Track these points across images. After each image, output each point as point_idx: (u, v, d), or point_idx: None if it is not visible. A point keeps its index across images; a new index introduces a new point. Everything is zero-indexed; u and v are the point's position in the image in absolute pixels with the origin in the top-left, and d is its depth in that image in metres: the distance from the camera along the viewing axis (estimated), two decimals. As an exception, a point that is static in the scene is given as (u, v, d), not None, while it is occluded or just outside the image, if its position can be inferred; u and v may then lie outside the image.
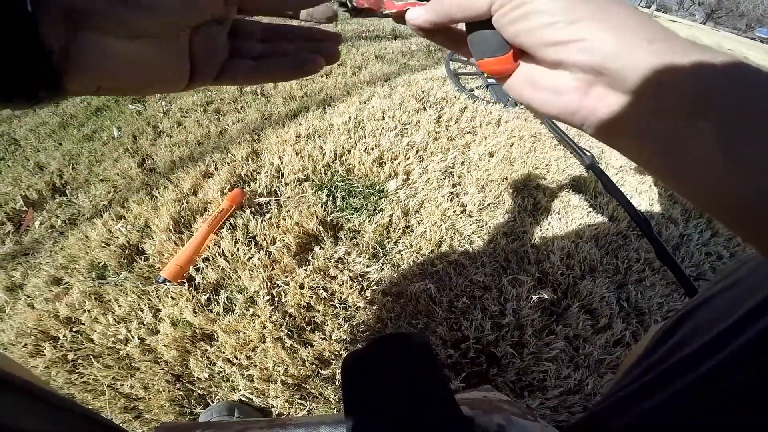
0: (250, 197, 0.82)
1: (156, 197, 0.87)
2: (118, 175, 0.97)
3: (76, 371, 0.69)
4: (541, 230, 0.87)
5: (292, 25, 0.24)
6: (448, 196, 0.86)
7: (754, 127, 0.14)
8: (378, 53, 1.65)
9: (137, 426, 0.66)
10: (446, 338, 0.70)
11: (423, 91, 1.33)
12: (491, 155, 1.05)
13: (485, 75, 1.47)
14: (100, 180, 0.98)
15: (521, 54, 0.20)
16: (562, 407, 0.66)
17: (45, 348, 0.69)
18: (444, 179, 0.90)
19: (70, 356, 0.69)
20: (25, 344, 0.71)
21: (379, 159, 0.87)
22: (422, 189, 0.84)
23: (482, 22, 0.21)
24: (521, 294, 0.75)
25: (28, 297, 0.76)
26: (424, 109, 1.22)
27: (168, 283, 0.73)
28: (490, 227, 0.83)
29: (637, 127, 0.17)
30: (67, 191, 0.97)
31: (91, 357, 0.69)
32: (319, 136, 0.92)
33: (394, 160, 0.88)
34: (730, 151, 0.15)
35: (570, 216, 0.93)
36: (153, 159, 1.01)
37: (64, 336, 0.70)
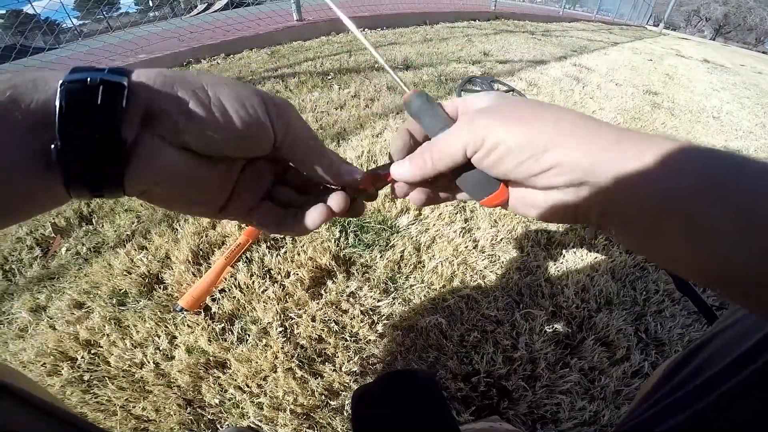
0: (265, 232, 0.84)
1: (176, 230, 0.91)
2: (141, 206, 1.02)
3: (91, 391, 0.71)
4: (554, 264, 0.86)
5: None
6: (460, 232, 0.87)
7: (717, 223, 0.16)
8: (390, 85, 1.71)
9: None
10: (456, 372, 0.69)
11: None
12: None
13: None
14: (125, 210, 1.03)
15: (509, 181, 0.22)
16: (577, 440, 0.64)
17: (63, 368, 0.72)
18: (456, 214, 0.91)
19: (86, 377, 0.72)
20: (44, 363, 0.73)
21: (390, 195, 0.90)
22: (434, 224, 0.85)
23: (464, 166, 0.22)
24: (534, 328, 0.74)
25: (51, 318, 0.79)
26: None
27: (185, 312, 0.75)
28: (502, 262, 0.83)
29: (623, 222, 0.19)
30: (93, 220, 1.02)
31: (106, 378, 0.71)
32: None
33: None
34: (695, 243, 0.16)
35: (584, 249, 0.92)
36: None
37: (82, 357, 0.73)
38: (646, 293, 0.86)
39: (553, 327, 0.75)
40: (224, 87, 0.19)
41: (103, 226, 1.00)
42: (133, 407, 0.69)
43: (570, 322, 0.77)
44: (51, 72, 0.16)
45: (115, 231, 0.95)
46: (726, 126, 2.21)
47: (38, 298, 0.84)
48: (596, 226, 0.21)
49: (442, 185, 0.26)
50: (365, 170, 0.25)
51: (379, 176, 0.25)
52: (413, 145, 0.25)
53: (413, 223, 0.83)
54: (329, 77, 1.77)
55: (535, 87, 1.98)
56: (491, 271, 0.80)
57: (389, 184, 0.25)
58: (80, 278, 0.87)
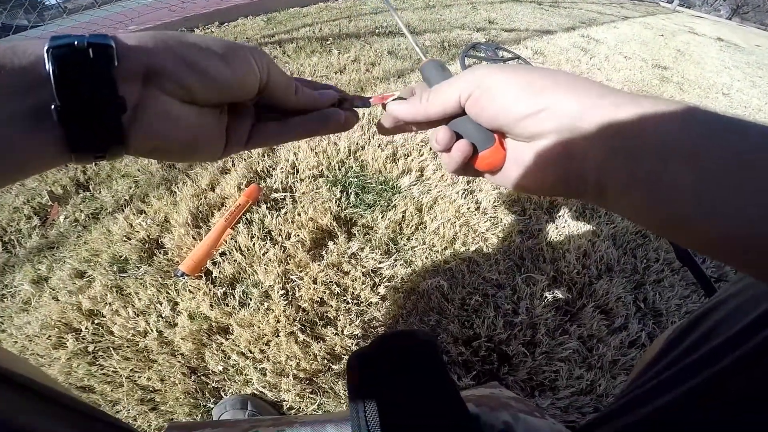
0: (265, 193, 0.83)
1: (175, 192, 0.89)
2: (138, 171, 0.99)
3: (97, 363, 0.71)
4: (557, 228, 0.86)
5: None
6: (463, 193, 0.85)
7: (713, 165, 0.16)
8: (391, 49, 1.64)
9: (153, 418, 0.68)
10: (458, 336, 0.69)
11: None
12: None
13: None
14: (122, 176, 1.01)
15: (504, 140, 0.22)
16: (573, 407, 0.65)
17: (68, 340, 0.72)
18: (459, 177, 0.89)
19: (91, 348, 0.72)
20: (49, 336, 0.73)
21: (392, 155, 0.87)
22: (436, 185, 0.84)
23: (459, 117, 0.22)
24: (535, 293, 0.74)
25: (53, 290, 0.79)
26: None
27: (186, 277, 0.75)
28: (504, 224, 0.82)
29: (621, 180, 0.18)
30: (90, 186, 1.00)
31: (111, 349, 0.71)
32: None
33: (408, 156, 0.87)
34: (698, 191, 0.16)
35: (587, 214, 0.91)
36: None
37: (86, 328, 0.73)
38: (646, 261, 0.86)
39: (553, 292, 0.75)
40: (213, 41, 0.20)
41: (100, 192, 0.98)
42: (139, 377, 0.69)
43: (570, 288, 0.77)
44: (27, 41, 0.16)
45: (113, 196, 0.94)
46: (735, 102, 2.16)
47: (39, 269, 0.83)
48: (591, 194, 0.20)
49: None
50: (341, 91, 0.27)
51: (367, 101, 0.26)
52: None
53: (415, 184, 0.82)
54: (328, 42, 1.70)
55: (541, 56, 1.92)
56: (493, 234, 0.79)
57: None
58: (80, 246, 0.87)
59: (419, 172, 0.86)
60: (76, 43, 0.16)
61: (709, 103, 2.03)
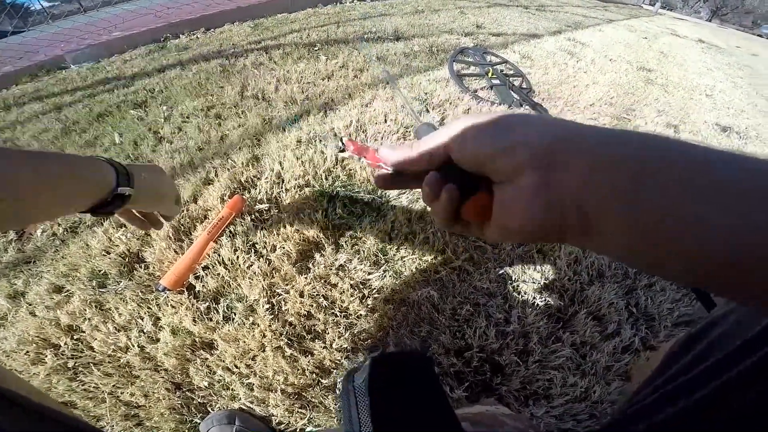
0: (249, 204, 0.80)
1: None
2: None
3: (77, 379, 0.68)
4: (547, 235, 0.85)
5: None
6: (452, 201, 0.85)
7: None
8: (380, 55, 1.64)
9: None
10: (449, 347, 0.68)
11: (426, 93, 1.31)
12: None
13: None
14: None
15: (490, 189, 0.23)
16: (568, 415, 0.64)
17: (46, 356, 0.69)
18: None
19: (71, 364, 0.69)
20: (27, 352, 0.70)
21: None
22: (425, 194, 0.83)
23: (446, 165, 0.24)
24: (527, 301, 0.73)
25: (30, 305, 0.76)
26: (427, 111, 1.20)
27: (167, 292, 0.72)
28: (494, 232, 0.82)
29: (601, 201, 0.18)
30: None
31: (91, 365, 0.69)
32: (321, 141, 0.91)
33: None
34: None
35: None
36: None
37: (65, 344, 0.70)
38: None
39: (545, 300, 0.75)
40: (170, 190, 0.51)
41: None
42: (122, 393, 0.67)
43: (562, 295, 0.76)
44: (104, 174, 0.40)
45: None
46: (718, 104, 2.20)
47: (15, 284, 0.80)
48: (577, 234, 0.20)
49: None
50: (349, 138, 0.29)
51: (366, 149, 0.30)
52: None
53: (404, 193, 0.80)
54: (316, 48, 1.69)
55: (528, 59, 1.93)
56: (483, 242, 0.78)
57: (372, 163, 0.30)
58: (58, 261, 0.83)
59: (408, 180, 0.85)
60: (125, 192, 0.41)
61: (692, 104, 2.06)
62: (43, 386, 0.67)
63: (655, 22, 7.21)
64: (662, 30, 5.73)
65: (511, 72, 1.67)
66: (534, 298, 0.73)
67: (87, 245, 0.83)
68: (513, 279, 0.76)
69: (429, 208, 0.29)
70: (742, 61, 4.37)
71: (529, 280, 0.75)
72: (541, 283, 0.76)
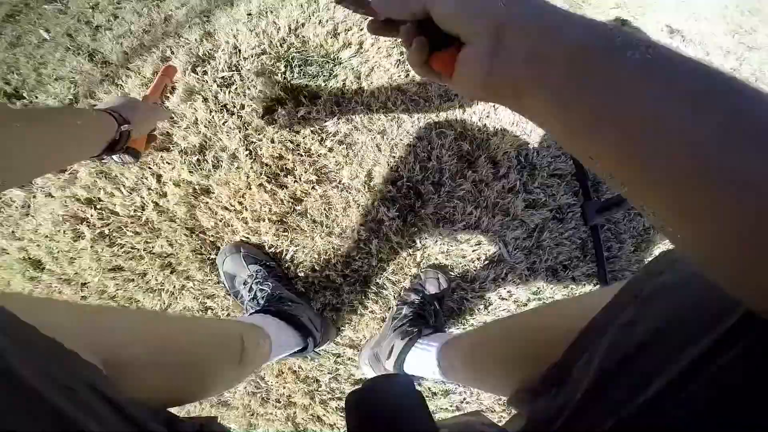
0: (214, 73, 0.89)
1: (121, 85, 0.92)
2: (71, 72, 0.98)
3: (116, 244, 0.83)
4: (474, 89, 1.02)
5: None
6: (395, 63, 0.97)
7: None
8: None
9: (174, 279, 0.84)
10: (387, 178, 0.88)
11: None
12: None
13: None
14: (55, 80, 0.99)
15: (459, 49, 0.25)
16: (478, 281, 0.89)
17: (82, 230, 0.82)
18: (393, 48, 0.99)
19: (106, 231, 0.83)
20: (64, 231, 0.83)
21: (333, 31, 0.94)
22: (373, 57, 0.94)
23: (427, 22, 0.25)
24: (444, 144, 0.93)
25: (42, 188, 0.85)
26: None
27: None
28: (428, 87, 0.97)
29: (550, 74, 0.20)
30: (23, 94, 0.98)
31: (122, 228, 0.83)
32: (272, 12, 0.96)
33: (348, 31, 0.95)
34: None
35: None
36: (101, 53, 1.02)
37: (91, 216, 0.83)
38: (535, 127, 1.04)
39: (459, 144, 0.94)
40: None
41: (37, 97, 0.98)
42: (153, 247, 0.83)
43: (472, 142, 0.95)
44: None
45: (55, 98, 0.95)
46: (684, 4, 2.19)
47: None
48: (512, 106, 0.24)
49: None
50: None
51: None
52: None
53: (354, 56, 0.92)
54: None
55: None
56: (420, 96, 0.94)
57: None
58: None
59: (359, 46, 0.94)
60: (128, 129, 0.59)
61: (657, 1, 2.08)
62: (93, 258, 0.82)
63: None
64: None
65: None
66: (450, 142, 0.93)
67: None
68: (437, 127, 0.94)
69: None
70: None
71: (449, 129, 0.94)
72: (458, 132, 0.95)
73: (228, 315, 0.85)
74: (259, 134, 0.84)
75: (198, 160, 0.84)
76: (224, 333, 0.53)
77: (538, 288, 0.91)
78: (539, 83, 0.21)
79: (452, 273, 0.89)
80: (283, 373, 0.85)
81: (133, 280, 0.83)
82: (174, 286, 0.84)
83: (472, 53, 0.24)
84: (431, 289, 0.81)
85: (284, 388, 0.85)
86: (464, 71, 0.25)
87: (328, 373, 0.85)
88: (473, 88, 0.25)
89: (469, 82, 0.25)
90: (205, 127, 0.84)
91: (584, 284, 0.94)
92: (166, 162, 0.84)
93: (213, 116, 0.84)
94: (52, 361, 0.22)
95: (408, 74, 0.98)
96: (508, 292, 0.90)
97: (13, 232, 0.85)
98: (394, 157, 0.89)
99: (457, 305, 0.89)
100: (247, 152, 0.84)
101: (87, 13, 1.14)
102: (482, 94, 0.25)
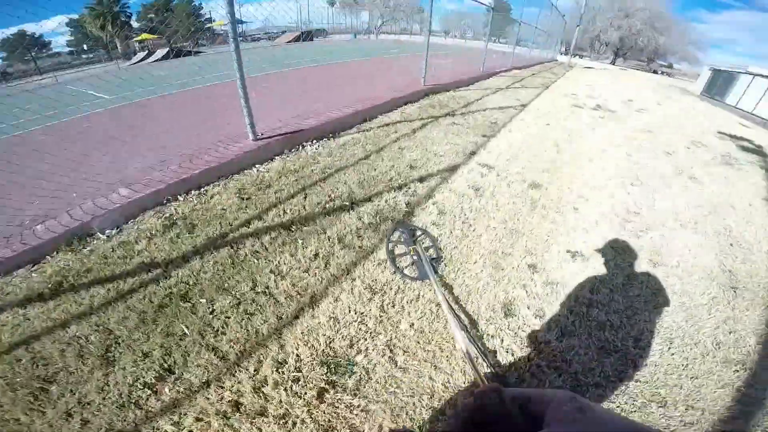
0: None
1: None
2: (206, 362, 1.53)
3: None
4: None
5: None
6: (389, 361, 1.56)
7: None
8: (340, 236, 2.23)
9: None
10: None
11: (373, 280, 1.96)
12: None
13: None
14: (196, 366, 1.51)
15: None
16: None
17: None
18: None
19: None
20: None
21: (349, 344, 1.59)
22: (380, 362, 1.56)
23: None
24: None
25: None
26: (374, 294, 1.93)
27: None
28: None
29: None
30: (175, 370, 1.56)
31: None
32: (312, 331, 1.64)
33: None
34: None
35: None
36: (222, 352, 1.63)
37: None
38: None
39: None
40: None
41: (183, 374, 1.55)
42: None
43: None
44: None
45: (196, 378, 1.52)
46: (580, 220, 2.64)
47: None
48: None
49: None
50: None
51: None
52: None
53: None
54: (293, 230, 2.31)
55: (442, 215, 2.52)
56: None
57: None
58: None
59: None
60: None
61: (558, 230, 2.55)
62: None
63: (566, 86, 8.48)
64: (567, 102, 6.95)
65: (427, 241, 2.23)
66: None
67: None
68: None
69: None
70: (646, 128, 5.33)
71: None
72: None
73: None
74: None
75: None
76: None
77: None
78: None
79: None
80: None
81: None
82: None
83: None
84: None
85: None
86: None
87: None
88: None
89: None
90: None
91: None
92: None
93: None
94: None
95: (396, 362, 1.57)
96: None
97: None
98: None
99: None
100: None
101: (206, 318, 1.73)
102: None
